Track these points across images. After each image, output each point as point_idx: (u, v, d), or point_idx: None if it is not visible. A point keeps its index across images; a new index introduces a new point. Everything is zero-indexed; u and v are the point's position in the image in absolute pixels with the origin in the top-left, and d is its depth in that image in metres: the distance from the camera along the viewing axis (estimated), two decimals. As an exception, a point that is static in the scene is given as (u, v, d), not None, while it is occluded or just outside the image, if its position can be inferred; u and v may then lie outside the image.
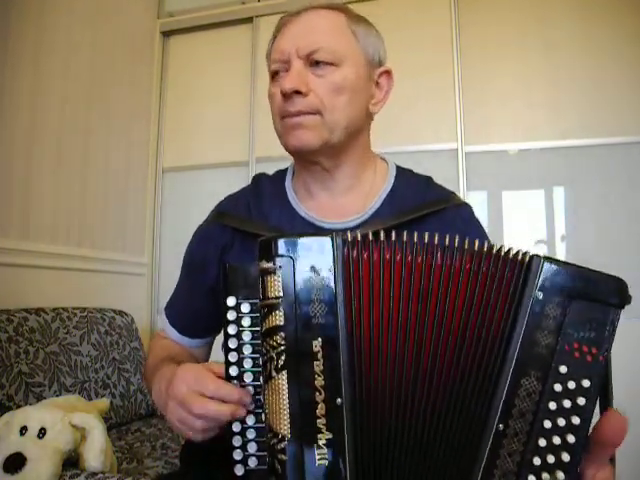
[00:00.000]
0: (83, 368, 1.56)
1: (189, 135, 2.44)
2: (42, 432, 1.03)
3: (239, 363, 0.52)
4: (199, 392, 0.52)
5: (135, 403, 1.73)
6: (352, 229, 0.69)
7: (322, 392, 0.49)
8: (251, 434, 0.52)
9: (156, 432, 1.61)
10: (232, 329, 0.52)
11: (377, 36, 0.75)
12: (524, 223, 2.01)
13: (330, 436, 0.49)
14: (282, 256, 0.51)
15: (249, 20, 2.39)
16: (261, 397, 0.52)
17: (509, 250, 0.52)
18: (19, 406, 1.27)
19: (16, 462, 0.97)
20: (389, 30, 0.86)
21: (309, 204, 0.76)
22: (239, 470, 0.51)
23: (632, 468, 1.19)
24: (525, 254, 0.51)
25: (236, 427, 0.52)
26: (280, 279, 0.50)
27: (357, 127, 0.72)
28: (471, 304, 0.51)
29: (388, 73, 0.76)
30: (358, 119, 0.72)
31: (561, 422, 0.47)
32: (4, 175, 1.59)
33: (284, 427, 0.49)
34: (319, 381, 0.49)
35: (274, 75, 0.72)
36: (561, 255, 1.96)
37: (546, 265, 0.49)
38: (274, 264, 0.51)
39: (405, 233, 0.52)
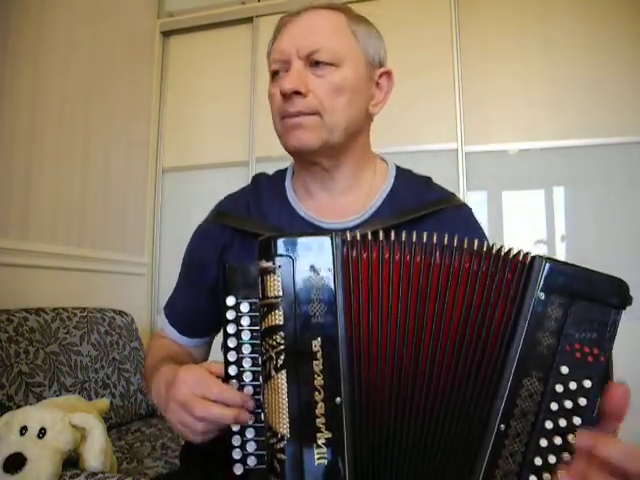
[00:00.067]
0: (83, 368, 1.56)
1: (189, 135, 2.44)
2: (42, 432, 1.03)
3: (238, 362, 0.52)
4: (201, 395, 0.52)
5: (135, 403, 1.73)
6: (351, 229, 0.69)
7: (321, 391, 0.49)
8: (250, 433, 0.52)
9: (156, 432, 1.61)
10: (231, 328, 0.53)
11: (377, 36, 0.75)
12: (524, 223, 2.01)
13: (329, 435, 0.49)
14: (282, 256, 0.51)
15: (249, 20, 2.39)
16: (260, 396, 0.52)
17: (509, 250, 0.52)
18: (19, 406, 1.27)
19: (16, 462, 0.97)
20: (389, 30, 0.86)
21: (309, 204, 0.76)
22: (238, 469, 0.51)
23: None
24: (526, 254, 0.51)
25: (235, 426, 0.52)
26: (280, 278, 0.50)
27: (357, 128, 0.72)
28: (471, 303, 0.51)
29: (388, 74, 0.76)
30: (358, 120, 0.72)
31: (562, 422, 0.47)
32: (4, 175, 1.59)
33: (283, 426, 0.49)
34: (318, 380, 0.49)
35: (274, 75, 0.72)
36: (561, 255, 1.96)
37: (548, 266, 0.49)
38: (274, 263, 0.51)
39: (404, 233, 0.52)
